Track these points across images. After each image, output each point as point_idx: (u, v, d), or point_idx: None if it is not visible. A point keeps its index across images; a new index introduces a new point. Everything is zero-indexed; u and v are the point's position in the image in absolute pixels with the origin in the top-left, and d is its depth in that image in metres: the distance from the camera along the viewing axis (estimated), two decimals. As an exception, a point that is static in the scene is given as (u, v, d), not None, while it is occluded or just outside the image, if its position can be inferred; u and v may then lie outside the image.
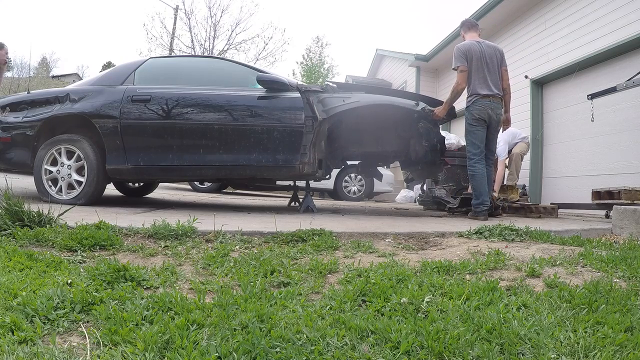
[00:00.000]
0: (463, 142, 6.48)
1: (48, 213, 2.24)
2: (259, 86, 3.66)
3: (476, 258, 1.99)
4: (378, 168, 5.28)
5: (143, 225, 2.26)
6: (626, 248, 2.34)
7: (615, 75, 5.45)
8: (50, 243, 1.93)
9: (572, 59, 6.16)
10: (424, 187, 5.88)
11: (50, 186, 3.62)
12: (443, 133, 4.92)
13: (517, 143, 5.97)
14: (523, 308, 1.37)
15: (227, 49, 18.57)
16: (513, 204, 4.76)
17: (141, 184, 5.34)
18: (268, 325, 1.17)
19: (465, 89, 3.99)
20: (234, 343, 1.06)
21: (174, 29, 17.86)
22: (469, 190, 4.66)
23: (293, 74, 26.04)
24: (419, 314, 1.31)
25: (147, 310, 1.25)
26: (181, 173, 3.81)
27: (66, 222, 2.22)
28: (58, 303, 1.24)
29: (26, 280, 1.42)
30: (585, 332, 1.19)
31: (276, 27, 38.16)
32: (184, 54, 16.62)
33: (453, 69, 3.96)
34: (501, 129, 4.17)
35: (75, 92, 3.77)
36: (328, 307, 1.35)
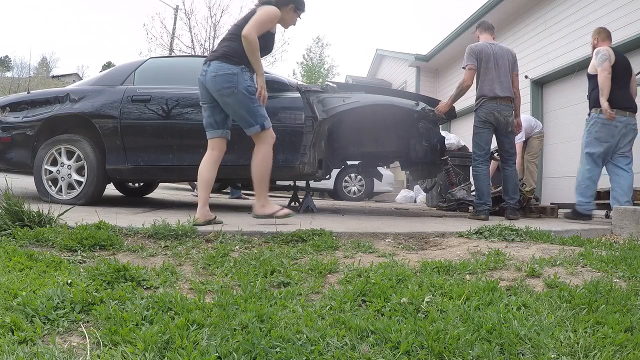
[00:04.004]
0: (463, 142, 6.50)
1: (48, 213, 2.24)
2: (259, 86, 3.66)
3: (476, 258, 1.99)
4: (378, 168, 5.27)
5: (143, 225, 2.26)
6: (626, 248, 2.34)
7: (615, 75, 5.43)
8: (50, 243, 1.93)
9: (572, 59, 6.16)
10: (442, 193, 5.87)
11: (50, 186, 3.62)
12: (443, 133, 4.93)
13: (527, 139, 5.82)
14: (523, 308, 1.37)
15: (227, 49, 18.53)
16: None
17: (141, 184, 5.34)
18: (268, 325, 1.17)
19: (475, 90, 3.98)
20: (234, 343, 1.06)
21: (174, 29, 17.85)
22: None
23: (293, 74, 26.05)
24: (419, 314, 1.31)
25: (147, 310, 1.24)
26: (181, 173, 3.81)
27: (66, 222, 2.22)
28: (58, 303, 1.24)
29: (26, 280, 1.42)
30: (585, 332, 1.19)
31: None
32: (184, 54, 16.61)
33: (462, 67, 3.96)
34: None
35: (75, 92, 3.77)
36: (328, 307, 1.35)
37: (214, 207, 4.35)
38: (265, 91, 2.76)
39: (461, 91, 3.90)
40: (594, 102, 3.80)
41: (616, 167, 3.79)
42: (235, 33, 2.75)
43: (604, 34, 3.96)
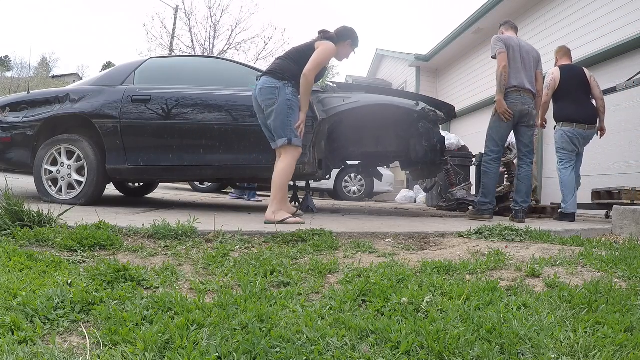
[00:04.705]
0: (463, 142, 6.49)
1: (48, 213, 2.24)
2: (259, 86, 3.66)
3: (476, 258, 1.99)
4: (378, 168, 5.28)
5: (143, 225, 2.26)
6: (626, 248, 2.34)
7: (615, 75, 5.45)
8: (50, 243, 1.93)
9: (572, 59, 6.16)
10: (442, 193, 5.87)
11: (50, 186, 3.62)
12: (443, 133, 4.92)
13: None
14: (523, 308, 1.37)
15: (227, 49, 18.57)
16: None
17: (141, 184, 5.34)
18: (268, 325, 1.17)
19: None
20: (234, 343, 1.06)
21: (174, 29, 17.86)
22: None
23: (293, 73, 26.00)
24: (419, 314, 1.31)
25: (147, 310, 1.24)
26: (181, 173, 3.81)
27: (66, 222, 2.22)
28: (58, 303, 1.24)
29: (26, 280, 1.42)
30: (585, 332, 1.19)
31: (276, 27, 38.26)
32: (184, 54, 16.61)
33: (492, 57, 3.79)
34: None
35: (75, 92, 3.77)
36: (328, 307, 1.35)
37: (214, 207, 4.35)
38: (303, 125, 3.06)
39: (502, 78, 3.70)
40: (555, 116, 4.22)
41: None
42: (290, 55, 3.13)
43: (561, 52, 4.41)
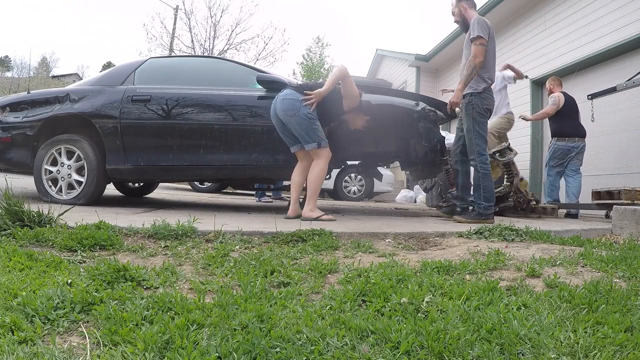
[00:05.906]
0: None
1: (48, 213, 2.24)
2: (259, 86, 3.66)
3: (476, 258, 1.99)
4: (378, 168, 5.27)
5: (143, 225, 2.26)
6: (626, 248, 2.34)
7: (615, 75, 5.45)
8: (50, 243, 1.93)
9: (572, 59, 6.16)
10: (442, 193, 5.85)
11: (50, 186, 3.62)
12: (443, 133, 4.92)
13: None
14: (523, 308, 1.37)
15: (227, 49, 18.56)
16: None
17: (141, 184, 5.34)
18: (268, 325, 1.17)
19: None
20: (234, 343, 1.06)
21: (174, 29, 17.85)
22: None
23: (293, 73, 26.03)
24: (419, 314, 1.31)
25: (147, 310, 1.24)
26: (181, 173, 3.81)
27: (66, 222, 2.22)
28: (58, 303, 1.24)
29: (26, 280, 1.42)
30: (585, 332, 1.19)
31: (276, 27, 38.21)
32: (184, 54, 16.61)
33: (471, 38, 3.43)
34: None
35: (75, 92, 3.77)
36: (328, 307, 1.35)
37: (214, 207, 4.35)
38: (316, 98, 3.18)
39: (474, 70, 3.37)
40: (553, 133, 5.10)
41: (568, 176, 5.01)
42: (320, 83, 3.38)
43: (557, 82, 5.29)
